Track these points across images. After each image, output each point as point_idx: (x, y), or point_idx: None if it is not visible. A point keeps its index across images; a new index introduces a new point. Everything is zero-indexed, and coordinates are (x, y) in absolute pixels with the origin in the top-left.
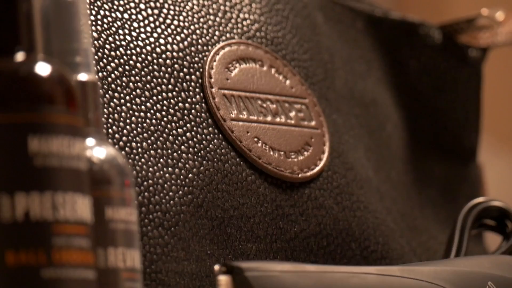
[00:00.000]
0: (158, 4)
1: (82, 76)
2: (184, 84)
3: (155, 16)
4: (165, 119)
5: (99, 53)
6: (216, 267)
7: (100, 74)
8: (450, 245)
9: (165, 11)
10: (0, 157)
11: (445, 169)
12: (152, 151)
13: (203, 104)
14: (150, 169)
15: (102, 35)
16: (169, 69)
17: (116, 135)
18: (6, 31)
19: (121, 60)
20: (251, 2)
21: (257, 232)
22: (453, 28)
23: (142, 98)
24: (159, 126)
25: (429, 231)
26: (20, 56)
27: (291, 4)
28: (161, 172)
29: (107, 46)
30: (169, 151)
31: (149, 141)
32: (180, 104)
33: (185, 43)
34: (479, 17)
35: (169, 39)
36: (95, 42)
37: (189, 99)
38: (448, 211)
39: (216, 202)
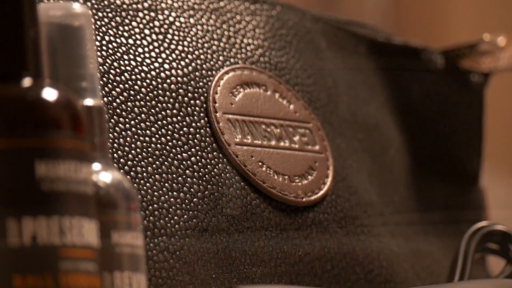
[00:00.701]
0: (162, 30)
1: (88, 101)
2: (189, 108)
3: (160, 42)
4: (170, 143)
5: (104, 78)
6: None
7: (105, 99)
8: (453, 269)
9: (169, 36)
10: (8, 181)
11: (447, 193)
12: (157, 176)
13: (207, 129)
14: (155, 193)
15: (107, 60)
16: (173, 94)
17: (122, 160)
18: (13, 57)
19: (126, 85)
20: (254, 28)
21: (261, 256)
22: (455, 53)
23: (147, 123)
24: (164, 151)
25: (432, 255)
26: (27, 82)
27: (295, 29)
28: (166, 197)
29: (112, 71)
30: (174, 175)
31: (154, 166)
32: (185, 129)
33: (190, 68)
34: (481, 42)
35: (174, 64)
36: (101, 67)
37: (193, 124)
38: (451, 235)
39: (221, 226)
